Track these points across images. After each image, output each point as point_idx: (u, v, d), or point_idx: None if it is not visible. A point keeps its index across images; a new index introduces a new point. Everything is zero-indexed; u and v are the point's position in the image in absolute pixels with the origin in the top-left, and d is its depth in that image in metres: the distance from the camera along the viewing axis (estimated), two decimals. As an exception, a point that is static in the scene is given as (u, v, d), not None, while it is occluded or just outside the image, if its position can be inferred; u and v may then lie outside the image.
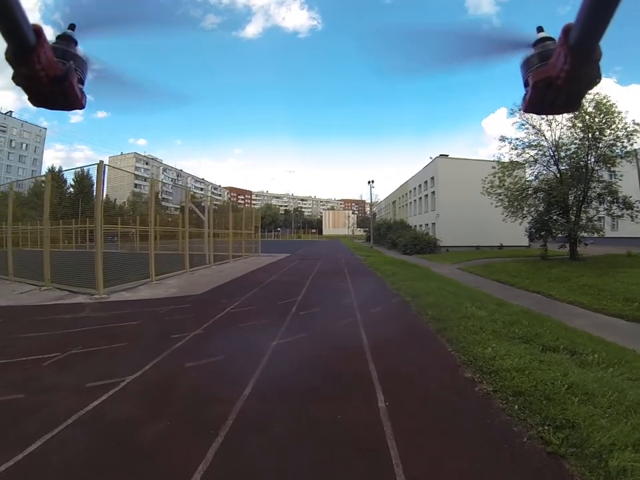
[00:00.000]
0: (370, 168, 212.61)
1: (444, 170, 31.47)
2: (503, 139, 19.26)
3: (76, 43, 1.03)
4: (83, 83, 1.06)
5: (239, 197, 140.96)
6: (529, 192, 19.41)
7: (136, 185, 77.79)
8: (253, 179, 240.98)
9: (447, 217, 30.52)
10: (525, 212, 19.78)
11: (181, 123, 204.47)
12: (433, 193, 33.23)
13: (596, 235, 17.64)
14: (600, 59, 0.84)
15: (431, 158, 34.12)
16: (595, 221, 17.89)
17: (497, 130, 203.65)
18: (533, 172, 19.54)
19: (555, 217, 18.95)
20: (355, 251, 31.81)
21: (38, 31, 0.85)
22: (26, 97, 0.97)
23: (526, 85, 1.00)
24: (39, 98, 0.99)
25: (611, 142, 16.41)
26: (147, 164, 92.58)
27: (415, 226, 38.39)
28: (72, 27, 1.03)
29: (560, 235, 18.60)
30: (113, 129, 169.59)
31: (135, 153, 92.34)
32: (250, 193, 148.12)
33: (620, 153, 16.54)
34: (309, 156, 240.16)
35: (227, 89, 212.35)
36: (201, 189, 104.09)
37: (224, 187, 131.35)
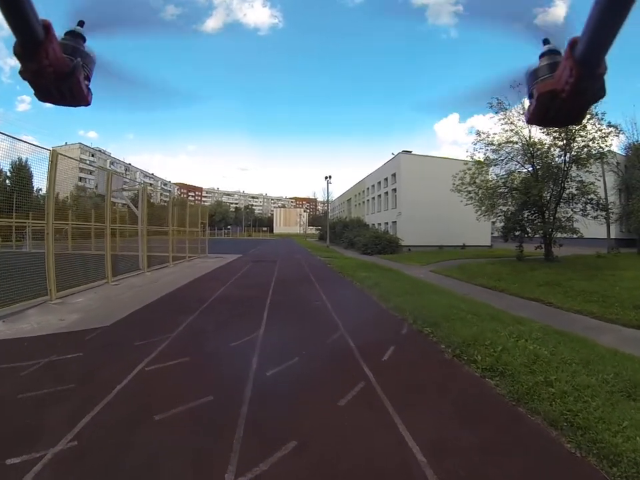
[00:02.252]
0: (322, 167, 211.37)
1: (407, 166, 30.08)
2: (479, 133, 18.36)
3: (84, 40, 1.01)
4: (89, 80, 1.04)
5: (189, 193, 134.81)
6: (503, 190, 18.60)
7: (81, 179, 69.71)
8: (205, 176, 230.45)
9: (409, 216, 29.21)
10: (498, 210, 19.01)
11: (132, 116, 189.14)
12: (394, 190, 31.81)
13: (575, 236, 17.33)
14: (605, 72, 0.83)
15: (392, 154, 32.74)
16: (575, 220, 17.62)
17: (448, 134, 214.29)
18: (509, 168, 18.66)
19: (530, 217, 18.42)
20: (311, 250, 29.51)
21: (47, 26, 0.84)
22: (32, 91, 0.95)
23: (530, 96, 0.98)
24: (45, 93, 0.96)
25: (584, 143, 16.08)
26: (92, 156, 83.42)
27: (373, 224, 37.01)
28: (81, 23, 1.01)
29: (537, 236, 18.11)
30: (62, 120, 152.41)
31: (80, 143, 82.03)
32: (200, 189, 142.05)
33: (595, 154, 16.20)
34: (261, 154, 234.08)
35: (181, 82, 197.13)
36: (150, 184, 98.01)
37: (174, 183, 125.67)
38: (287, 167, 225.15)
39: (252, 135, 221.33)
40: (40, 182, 8.05)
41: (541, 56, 0.97)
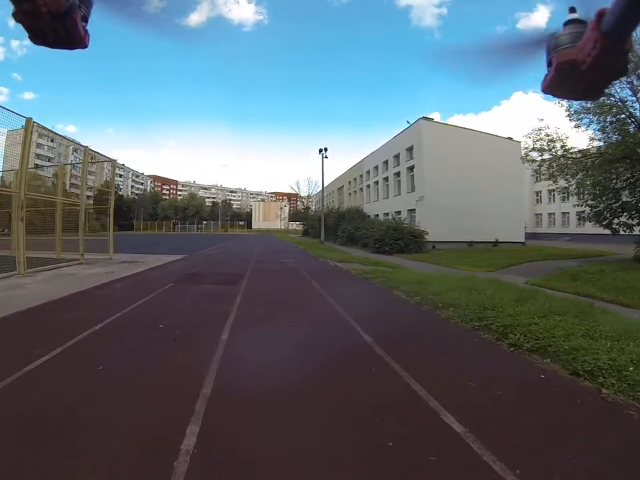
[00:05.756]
0: (304, 162, 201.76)
1: (430, 136, 23.16)
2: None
3: None
4: (86, 21, 0.98)
5: (164, 186, 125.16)
6: (613, 158, 12.14)
7: (37, 166, 60.19)
8: (185, 173, 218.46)
9: (432, 202, 22.40)
10: (607, 187, 12.64)
11: (112, 108, 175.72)
12: (411, 168, 24.87)
13: None
14: (630, 50, 0.77)
15: (408, 122, 25.59)
16: None
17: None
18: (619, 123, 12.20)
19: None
20: (305, 248, 22.19)
21: None
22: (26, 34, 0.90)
23: (549, 64, 0.93)
24: (39, 35, 0.91)
25: None
26: (52, 141, 72.77)
27: (376, 215, 30.10)
28: None
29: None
30: (41, 113, 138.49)
31: (36, 123, 71.30)
32: (176, 182, 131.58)
33: None
34: (242, 149, 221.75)
35: (162, 76, 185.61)
36: (120, 176, 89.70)
37: (148, 175, 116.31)
38: (268, 163, 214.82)
39: (233, 130, 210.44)
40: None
41: (565, 24, 0.90)
